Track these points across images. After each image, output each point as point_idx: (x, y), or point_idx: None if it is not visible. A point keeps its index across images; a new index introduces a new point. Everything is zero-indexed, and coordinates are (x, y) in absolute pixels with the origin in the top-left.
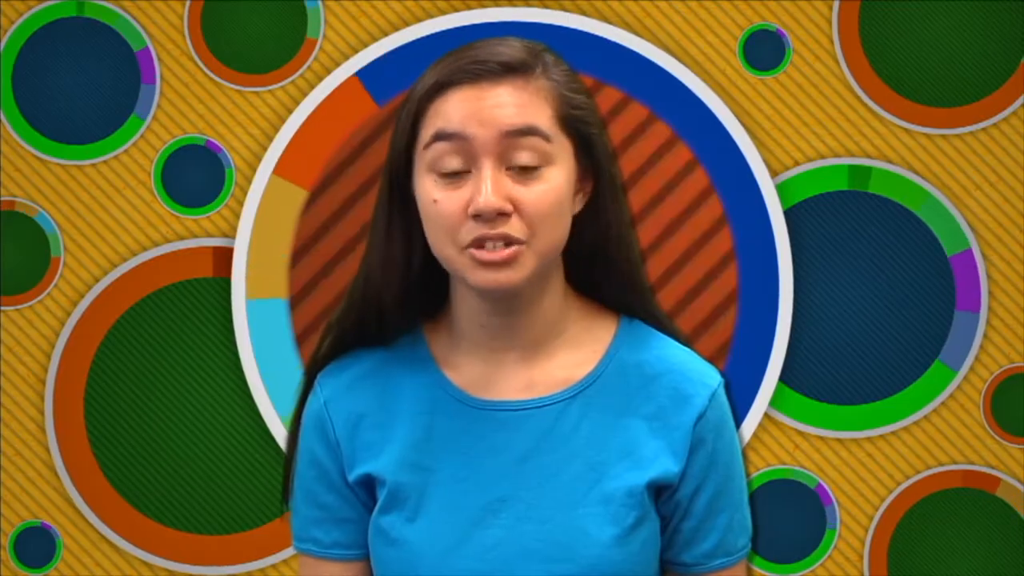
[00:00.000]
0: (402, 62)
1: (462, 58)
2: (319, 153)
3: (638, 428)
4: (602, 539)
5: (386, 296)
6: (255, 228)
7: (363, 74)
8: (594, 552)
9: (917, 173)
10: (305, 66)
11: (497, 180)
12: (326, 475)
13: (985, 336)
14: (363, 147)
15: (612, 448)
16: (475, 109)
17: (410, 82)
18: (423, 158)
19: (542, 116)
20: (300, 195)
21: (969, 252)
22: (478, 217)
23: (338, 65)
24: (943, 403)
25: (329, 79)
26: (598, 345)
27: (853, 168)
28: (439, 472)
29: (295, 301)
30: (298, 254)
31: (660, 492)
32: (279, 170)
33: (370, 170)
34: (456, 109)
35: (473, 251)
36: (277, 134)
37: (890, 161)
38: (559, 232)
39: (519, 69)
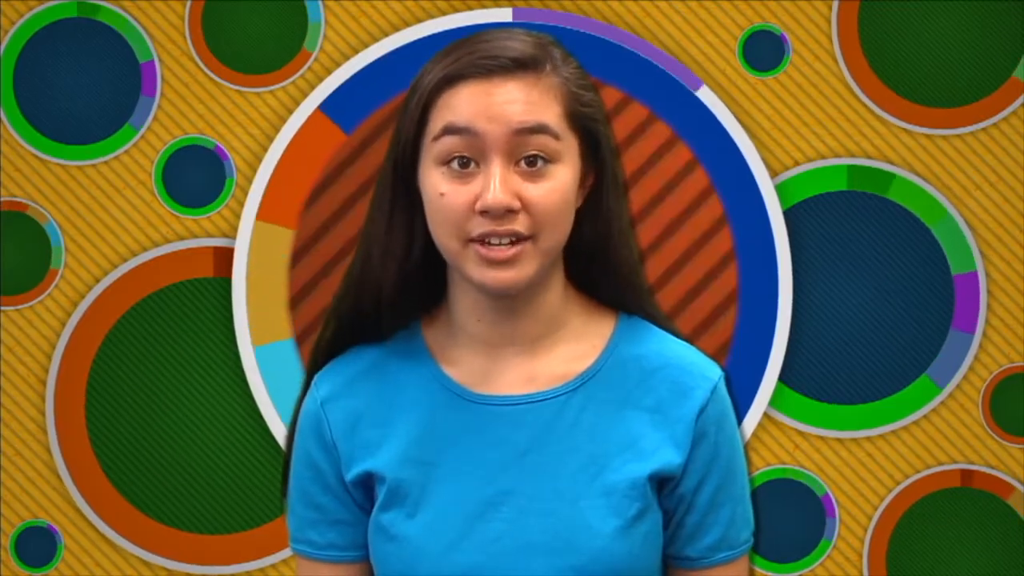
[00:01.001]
0: (363, 87)
1: (472, 51)
2: (298, 192)
3: (639, 420)
4: (605, 531)
5: (385, 285)
6: (250, 273)
7: (326, 107)
8: (597, 544)
9: (917, 174)
10: (306, 66)
11: (506, 177)
12: (321, 477)
13: (985, 335)
14: (340, 176)
15: (613, 440)
16: (485, 105)
17: (374, 107)
18: (431, 150)
19: (551, 114)
20: (287, 235)
21: (974, 274)
22: (486, 213)
23: (339, 66)
24: (942, 402)
25: (294, 117)
26: (597, 340)
27: (852, 168)
28: (440, 467)
29: (294, 302)
30: (297, 255)
31: (663, 485)
32: (263, 215)
33: (350, 195)
34: (466, 103)
35: (478, 247)
36: (278, 135)
37: (890, 162)
38: (564, 229)
39: (529, 65)
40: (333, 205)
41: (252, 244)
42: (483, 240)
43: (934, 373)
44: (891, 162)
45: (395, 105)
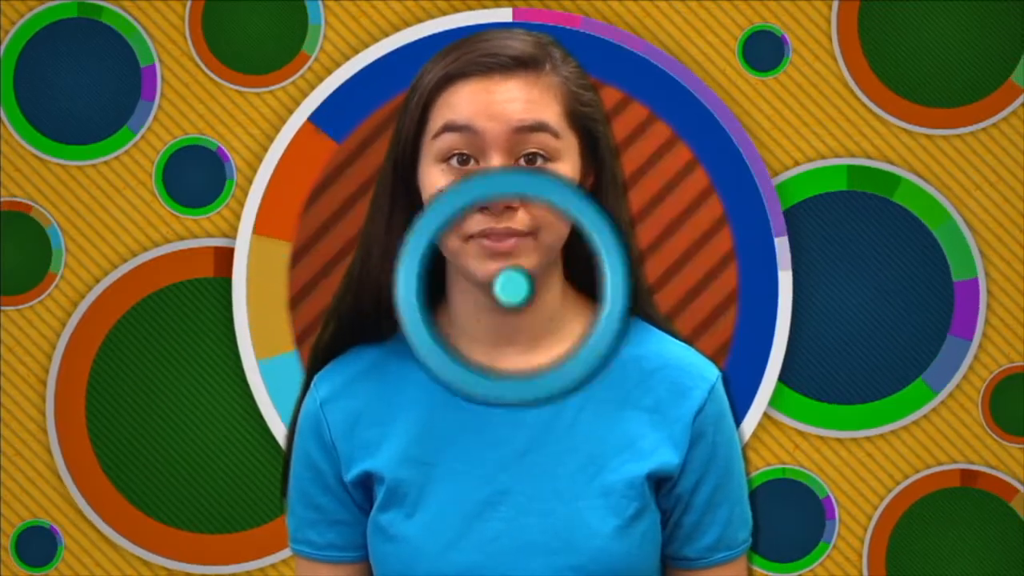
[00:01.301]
0: (353, 95)
1: (472, 50)
2: (294, 203)
3: (637, 420)
4: (603, 531)
5: (385, 285)
6: (250, 282)
7: (315, 117)
8: (595, 544)
9: (917, 174)
10: (306, 66)
11: None
12: (321, 477)
13: (985, 335)
14: (334, 184)
15: (611, 441)
16: (485, 103)
17: (364, 114)
18: (431, 148)
19: (551, 112)
20: (285, 248)
21: (975, 281)
22: (485, 210)
23: (339, 66)
24: (942, 402)
25: (285, 130)
26: None
27: (852, 168)
28: (439, 467)
29: (294, 302)
30: (298, 255)
31: (660, 484)
32: (259, 228)
33: (348, 197)
34: (466, 102)
35: (478, 240)
36: (271, 145)
37: (890, 162)
38: (563, 227)
39: (529, 64)
40: (330, 209)
41: (251, 255)
42: (483, 236)
43: (929, 378)
44: (891, 162)
45: (385, 112)
